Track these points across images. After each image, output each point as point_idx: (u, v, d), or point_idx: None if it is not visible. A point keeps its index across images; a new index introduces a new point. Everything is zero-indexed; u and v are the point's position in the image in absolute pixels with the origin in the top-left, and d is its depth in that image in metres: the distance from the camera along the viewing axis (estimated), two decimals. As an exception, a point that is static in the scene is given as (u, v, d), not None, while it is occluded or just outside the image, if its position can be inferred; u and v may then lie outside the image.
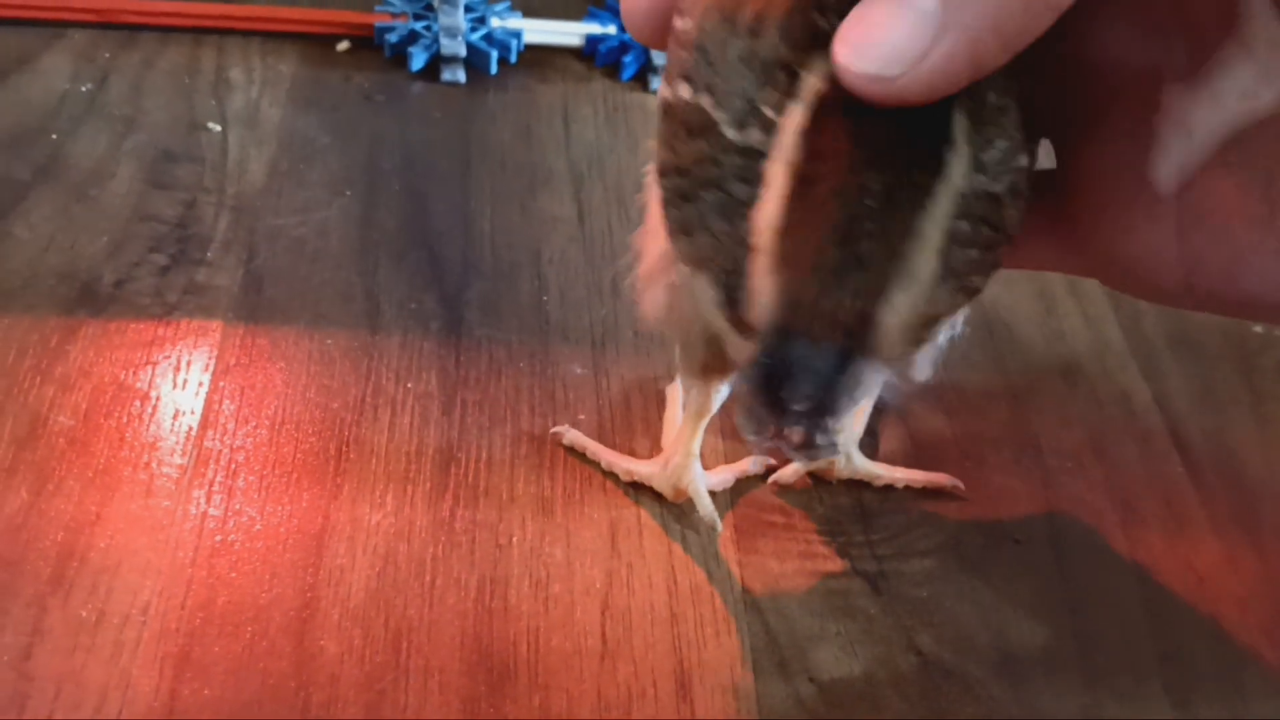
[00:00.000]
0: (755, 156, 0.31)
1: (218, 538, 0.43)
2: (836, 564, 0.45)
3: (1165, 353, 0.55)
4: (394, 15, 0.67)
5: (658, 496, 0.46)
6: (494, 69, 0.66)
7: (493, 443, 0.48)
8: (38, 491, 0.44)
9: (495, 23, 0.67)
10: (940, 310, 0.32)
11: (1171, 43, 0.33)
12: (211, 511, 0.44)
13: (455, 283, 0.54)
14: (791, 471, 0.47)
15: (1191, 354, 0.55)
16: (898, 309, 0.30)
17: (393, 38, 0.66)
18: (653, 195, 0.36)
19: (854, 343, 0.30)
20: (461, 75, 0.66)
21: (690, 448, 0.44)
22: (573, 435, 0.48)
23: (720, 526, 0.45)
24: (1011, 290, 0.56)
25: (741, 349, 0.32)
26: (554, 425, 0.48)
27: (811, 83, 0.30)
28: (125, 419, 0.47)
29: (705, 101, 0.33)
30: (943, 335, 0.36)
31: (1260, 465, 0.50)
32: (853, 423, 0.48)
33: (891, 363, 0.33)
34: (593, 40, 0.68)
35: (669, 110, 0.34)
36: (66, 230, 0.54)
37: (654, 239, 0.37)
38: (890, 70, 0.28)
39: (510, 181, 0.60)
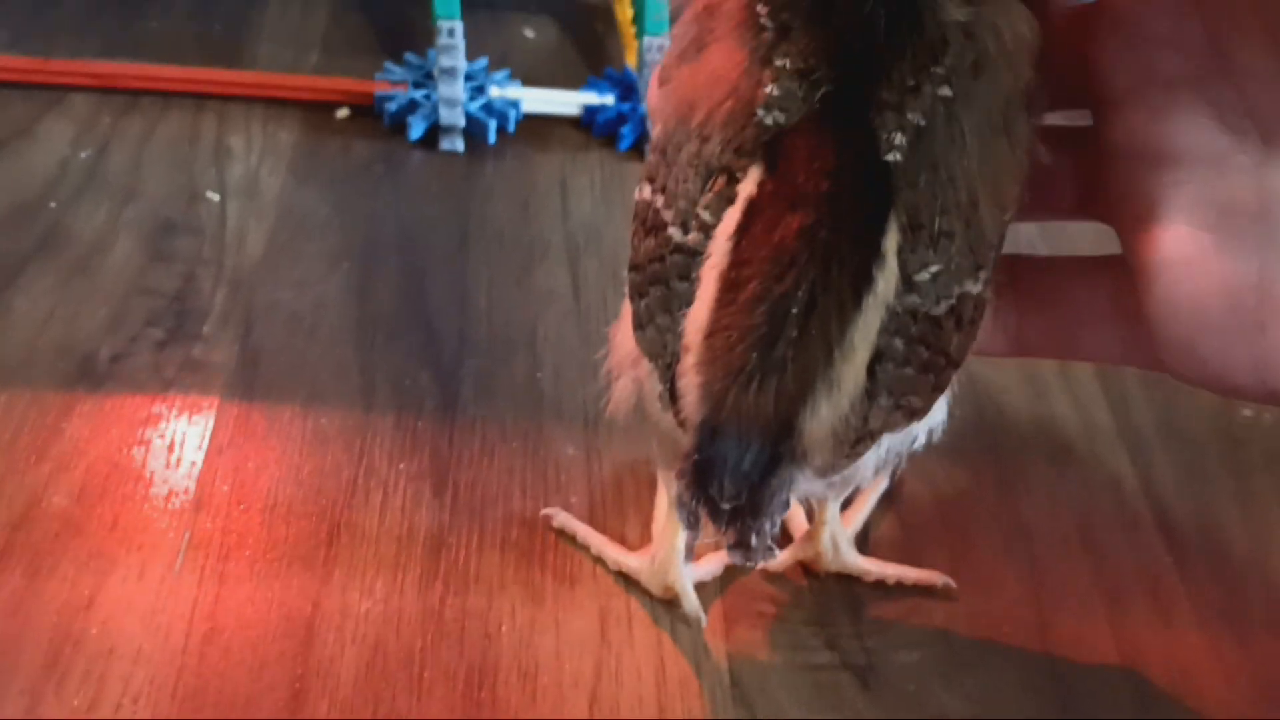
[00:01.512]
0: (693, 256, 0.32)
1: (209, 625, 0.43)
2: (825, 656, 0.45)
3: (1153, 438, 0.55)
4: (394, 84, 0.67)
5: (648, 583, 0.46)
6: (492, 138, 0.67)
7: (484, 526, 0.48)
8: (32, 575, 0.44)
9: (494, 92, 0.68)
10: (876, 426, 0.32)
11: (1242, 136, 0.32)
12: (203, 597, 0.44)
13: (450, 360, 0.55)
14: (780, 561, 0.47)
15: (1179, 440, 0.55)
16: (821, 417, 0.31)
17: (392, 107, 0.66)
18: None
19: (779, 447, 0.31)
20: (460, 145, 0.66)
21: (674, 543, 0.45)
22: (563, 518, 0.48)
23: (705, 622, 0.45)
24: (1001, 374, 0.57)
25: (685, 444, 0.33)
26: (545, 507, 0.48)
27: (745, 188, 0.31)
28: (120, 499, 0.47)
29: (659, 201, 0.34)
30: (895, 447, 0.36)
31: (1245, 551, 0.51)
32: (846, 520, 0.48)
33: (824, 471, 0.33)
34: (590, 110, 0.68)
35: (636, 210, 0.36)
36: (66, 303, 0.54)
37: (625, 333, 0.38)
38: None
39: (507, 255, 0.60)
